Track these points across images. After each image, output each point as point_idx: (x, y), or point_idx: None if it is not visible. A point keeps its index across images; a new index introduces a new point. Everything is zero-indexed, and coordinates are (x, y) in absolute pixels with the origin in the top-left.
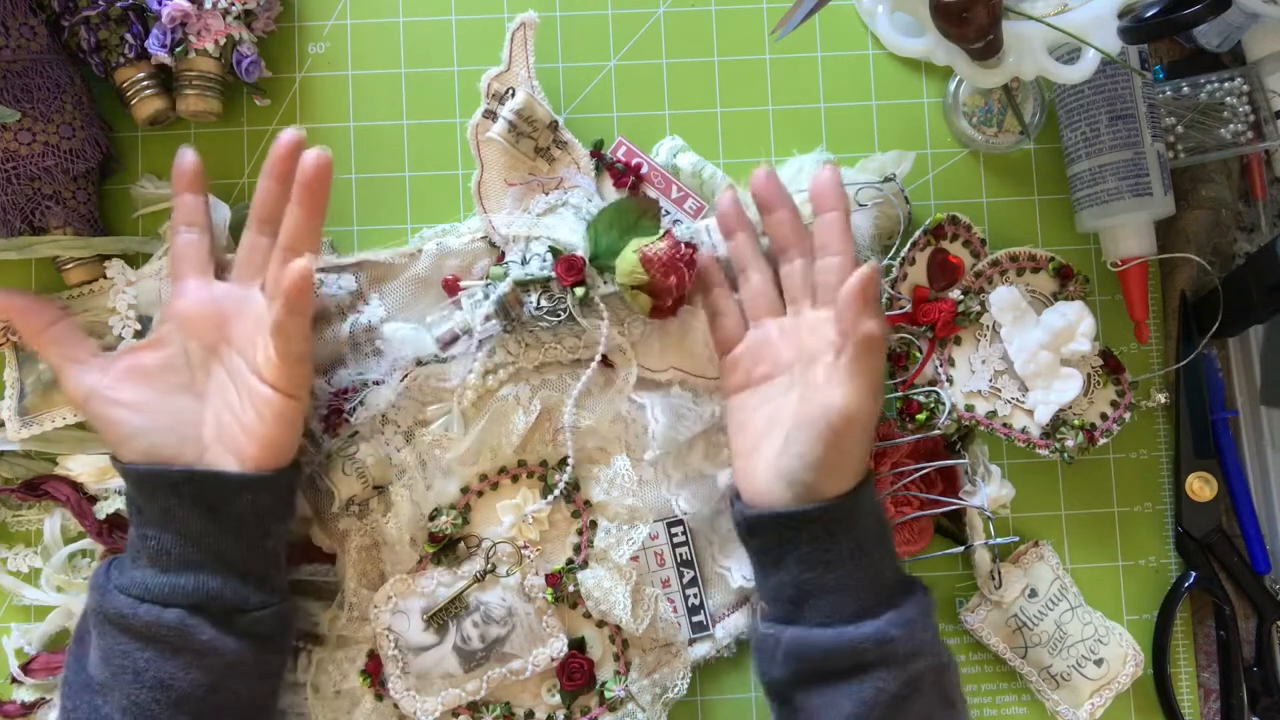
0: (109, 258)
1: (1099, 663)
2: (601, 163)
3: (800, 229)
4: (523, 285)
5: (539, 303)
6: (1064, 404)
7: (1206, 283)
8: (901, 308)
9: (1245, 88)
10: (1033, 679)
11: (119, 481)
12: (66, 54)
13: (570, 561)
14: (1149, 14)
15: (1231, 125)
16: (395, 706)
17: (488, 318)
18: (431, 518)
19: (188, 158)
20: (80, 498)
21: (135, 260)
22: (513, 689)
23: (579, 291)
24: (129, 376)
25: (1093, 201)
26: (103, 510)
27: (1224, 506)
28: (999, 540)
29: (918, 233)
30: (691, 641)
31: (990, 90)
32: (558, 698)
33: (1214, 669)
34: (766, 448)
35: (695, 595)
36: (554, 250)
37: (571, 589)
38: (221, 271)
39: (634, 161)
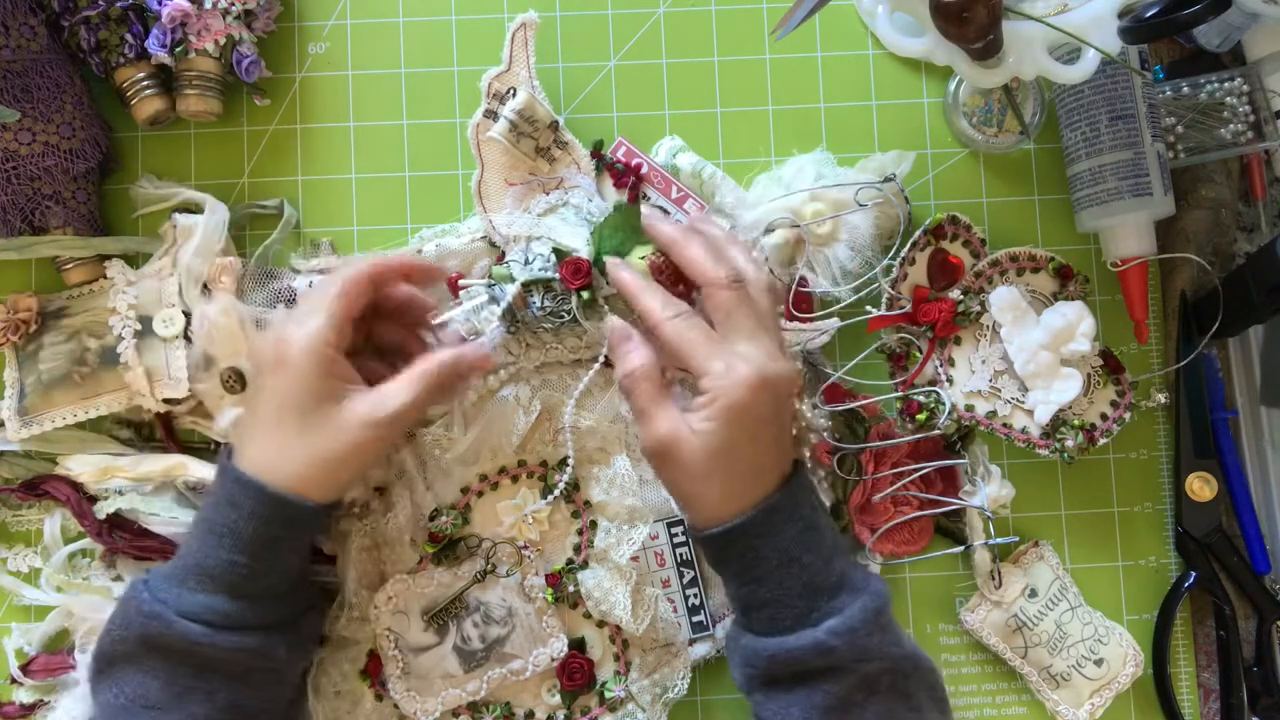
0: (109, 258)
1: (1099, 663)
2: (601, 163)
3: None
4: (525, 285)
5: (543, 303)
6: (1064, 404)
7: (1206, 283)
8: (901, 308)
9: (1245, 88)
10: (1033, 679)
11: (119, 482)
12: (66, 54)
13: (570, 561)
14: (1149, 14)
15: (1231, 125)
16: (395, 707)
17: (492, 319)
18: (431, 518)
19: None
20: (80, 498)
21: (135, 260)
22: (513, 689)
23: (584, 295)
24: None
25: (1093, 201)
26: (103, 510)
27: (1224, 506)
28: (999, 540)
29: (918, 233)
30: (692, 641)
31: (990, 90)
32: (558, 698)
33: (1214, 669)
34: None
35: (695, 595)
36: (557, 251)
37: (571, 589)
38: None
39: (634, 161)
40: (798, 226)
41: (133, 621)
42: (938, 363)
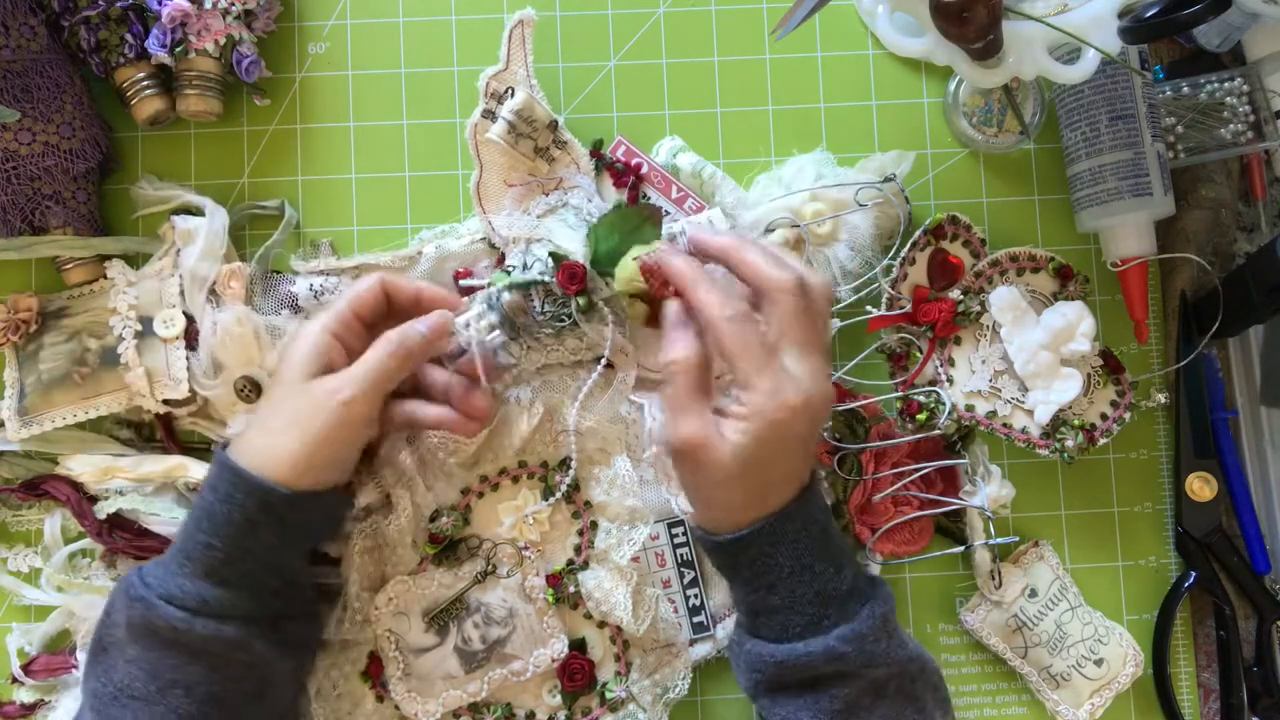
0: (109, 258)
1: (1099, 663)
2: (601, 163)
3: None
4: (524, 288)
5: (543, 307)
6: (1064, 404)
7: (1206, 283)
8: (901, 308)
9: (1245, 88)
10: (1033, 679)
11: (119, 482)
12: (66, 54)
13: (571, 562)
14: (1149, 14)
15: (1231, 125)
16: (396, 708)
17: (492, 327)
18: (432, 519)
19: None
20: (80, 498)
21: (135, 260)
22: (513, 690)
23: (581, 301)
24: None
25: (1093, 201)
26: (103, 510)
27: (1224, 506)
28: (999, 540)
29: (918, 233)
30: (692, 642)
31: (990, 90)
32: (559, 698)
33: (1214, 669)
34: None
35: (696, 595)
36: (554, 255)
37: (572, 590)
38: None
39: (634, 161)
40: (798, 226)
41: (121, 606)
42: (938, 363)
